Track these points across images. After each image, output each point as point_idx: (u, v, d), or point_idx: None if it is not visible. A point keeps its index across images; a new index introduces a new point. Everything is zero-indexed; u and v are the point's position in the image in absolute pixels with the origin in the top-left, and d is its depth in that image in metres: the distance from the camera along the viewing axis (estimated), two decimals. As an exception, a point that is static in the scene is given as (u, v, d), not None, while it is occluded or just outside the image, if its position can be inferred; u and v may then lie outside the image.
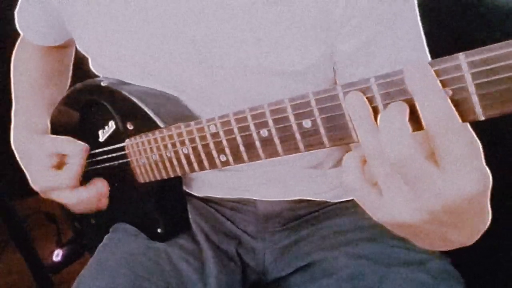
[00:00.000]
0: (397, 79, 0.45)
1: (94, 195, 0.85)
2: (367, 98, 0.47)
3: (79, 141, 0.82)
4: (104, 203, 0.87)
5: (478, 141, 0.43)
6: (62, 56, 1.03)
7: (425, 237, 0.50)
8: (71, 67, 1.06)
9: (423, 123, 0.43)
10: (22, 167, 0.90)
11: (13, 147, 0.92)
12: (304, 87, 0.74)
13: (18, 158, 0.91)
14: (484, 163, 0.43)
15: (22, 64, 1.00)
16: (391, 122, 0.43)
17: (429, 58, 0.71)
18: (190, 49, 0.73)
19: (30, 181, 0.87)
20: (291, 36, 0.70)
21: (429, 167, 0.42)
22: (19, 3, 0.94)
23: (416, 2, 0.70)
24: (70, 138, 0.83)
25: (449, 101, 0.42)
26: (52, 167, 0.83)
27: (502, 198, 0.85)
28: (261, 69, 0.72)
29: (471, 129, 0.43)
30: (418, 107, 0.43)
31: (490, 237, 0.90)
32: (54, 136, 0.86)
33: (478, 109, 0.42)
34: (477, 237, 0.53)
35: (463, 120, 0.43)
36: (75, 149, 0.81)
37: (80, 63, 0.87)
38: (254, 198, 0.88)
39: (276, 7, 0.68)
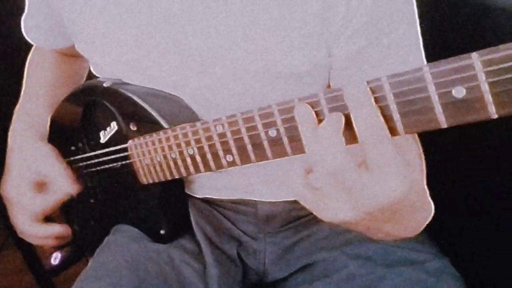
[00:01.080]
0: (340, 95, 0.51)
1: (44, 237, 0.85)
2: (315, 111, 0.52)
3: (75, 182, 0.83)
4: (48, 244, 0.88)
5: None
6: (75, 65, 1.03)
7: (367, 231, 0.56)
8: (85, 77, 1.05)
9: (357, 135, 0.48)
10: (7, 159, 0.87)
11: (9, 140, 0.90)
12: (304, 89, 0.75)
13: (8, 150, 0.89)
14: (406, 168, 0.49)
15: (34, 65, 1.00)
16: (328, 135, 0.49)
17: (425, 62, 0.71)
18: (190, 52, 0.73)
19: (3, 177, 0.85)
20: (291, 39, 0.70)
21: (361, 174, 0.48)
22: (25, 10, 0.93)
23: (415, 5, 0.71)
24: (70, 174, 0.83)
25: (380, 115, 0.48)
26: (35, 185, 0.83)
27: (502, 198, 0.86)
28: (261, 71, 0.72)
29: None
30: (353, 121, 0.49)
31: (489, 237, 0.91)
32: (55, 159, 0.84)
33: (492, 108, 0.42)
34: (419, 229, 0.59)
35: (476, 120, 0.43)
36: (66, 188, 0.82)
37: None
38: (255, 199, 0.88)
39: (276, 10, 0.69)
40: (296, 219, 0.91)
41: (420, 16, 0.71)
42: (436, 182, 0.99)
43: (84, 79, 1.06)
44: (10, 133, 0.91)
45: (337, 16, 0.68)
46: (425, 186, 0.60)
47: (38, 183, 0.83)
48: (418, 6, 0.70)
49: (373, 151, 0.48)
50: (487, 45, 0.42)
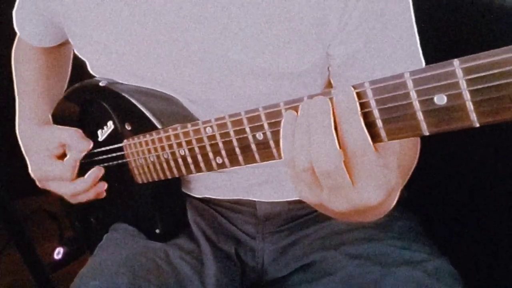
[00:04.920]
0: None
1: (91, 185, 0.85)
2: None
3: (85, 138, 0.84)
4: (101, 191, 0.87)
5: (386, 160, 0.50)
6: (61, 52, 1.04)
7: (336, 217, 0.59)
8: (71, 62, 1.07)
9: (343, 143, 0.48)
10: (25, 155, 0.91)
11: (18, 135, 0.93)
12: (301, 88, 0.75)
13: (21, 146, 0.92)
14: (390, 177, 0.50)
15: (22, 60, 1.01)
16: (323, 137, 0.48)
17: (423, 61, 0.71)
18: (187, 52, 0.73)
19: (30, 169, 0.89)
20: (288, 39, 0.70)
21: (347, 180, 0.49)
22: (16, 3, 0.94)
23: (411, 5, 0.70)
24: (78, 132, 0.84)
25: (365, 129, 0.47)
26: (55, 156, 0.85)
27: (502, 198, 0.85)
28: (258, 71, 0.72)
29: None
30: (339, 131, 0.48)
31: (489, 237, 0.90)
32: (62, 127, 0.87)
33: (473, 116, 0.41)
34: (380, 216, 0.60)
35: (458, 128, 0.42)
36: (78, 145, 0.83)
37: (80, 63, 0.87)
38: (254, 199, 0.88)
39: (273, 11, 0.68)
40: (295, 219, 0.91)
41: (417, 16, 0.70)
42: (435, 182, 0.98)
43: (70, 61, 1.07)
44: (18, 132, 0.94)
45: (334, 17, 0.68)
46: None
47: (57, 154, 0.85)
48: (415, 7, 0.69)
49: (357, 162, 0.48)
50: (486, 45, 0.41)
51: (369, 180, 0.49)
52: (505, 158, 0.82)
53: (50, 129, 0.88)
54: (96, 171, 0.85)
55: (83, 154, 0.83)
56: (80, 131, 0.85)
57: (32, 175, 0.89)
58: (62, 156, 0.86)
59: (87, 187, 0.85)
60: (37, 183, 0.90)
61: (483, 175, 0.88)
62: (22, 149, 0.92)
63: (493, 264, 0.89)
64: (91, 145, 0.84)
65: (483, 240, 0.91)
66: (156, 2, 0.72)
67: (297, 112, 0.52)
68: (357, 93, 0.47)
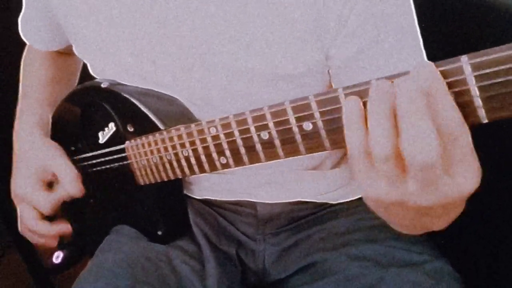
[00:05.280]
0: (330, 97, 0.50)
1: (51, 236, 0.87)
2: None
3: (81, 185, 0.83)
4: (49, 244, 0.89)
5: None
6: (68, 62, 1.04)
7: (407, 224, 0.55)
8: (78, 75, 1.06)
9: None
10: (14, 160, 0.89)
11: (14, 137, 0.92)
12: (301, 91, 0.74)
13: (14, 148, 0.90)
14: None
15: (29, 65, 1.01)
16: (418, 122, 0.42)
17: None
18: (187, 54, 0.73)
19: (12, 178, 0.87)
20: (286, 41, 0.70)
21: (442, 173, 0.43)
22: (22, 10, 0.94)
23: (412, 5, 0.70)
24: (77, 176, 0.83)
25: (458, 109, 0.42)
26: (42, 182, 0.84)
27: (502, 198, 0.86)
28: (257, 73, 0.72)
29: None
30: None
31: (489, 237, 0.90)
32: (65, 159, 0.85)
33: (482, 112, 0.41)
34: (447, 224, 0.56)
35: (467, 124, 0.43)
36: (71, 188, 0.82)
37: (82, 65, 0.87)
38: (254, 200, 0.88)
39: (270, 13, 0.69)
40: (295, 220, 0.91)
41: (420, 17, 0.70)
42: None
43: (78, 74, 1.06)
44: (14, 135, 0.92)
45: (332, 17, 0.68)
46: None
47: (46, 181, 0.84)
48: (416, 6, 0.70)
49: (454, 149, 0.43)
50: (488, 44, 0.41)
51: (465, 166, 0.44)
52: (505, 158, 0.83)
53: (50, 151, 0.86)
54: (64, 228, 0.87)
55: (71, 198, 0.83)
56: (80, 175, 0.84)
57: (11, 185, 0.87)
58: (49, 183, 0.85)
59: (46, 234, 0.86)
60: (12, 195, 0.88)
61: (483, 175, 0.88)
62: (14, 150, 0.90)
63: (493, 265, 0.89)
64: (82, 194, 0.84)
65: (483, 240, 0.91)
66: (157, 5, 0.72)
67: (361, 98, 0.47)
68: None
